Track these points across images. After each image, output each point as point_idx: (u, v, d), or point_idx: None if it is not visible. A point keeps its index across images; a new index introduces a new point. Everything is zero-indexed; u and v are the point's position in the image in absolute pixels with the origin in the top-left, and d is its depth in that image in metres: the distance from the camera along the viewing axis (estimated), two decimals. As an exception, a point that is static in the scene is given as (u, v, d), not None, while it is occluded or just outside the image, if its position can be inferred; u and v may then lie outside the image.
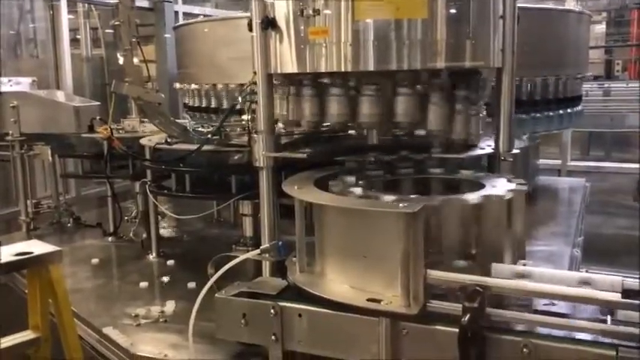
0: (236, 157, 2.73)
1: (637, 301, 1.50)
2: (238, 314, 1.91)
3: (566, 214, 3.91)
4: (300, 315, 1.84)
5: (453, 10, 2.08)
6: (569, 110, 3.62)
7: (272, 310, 1.86)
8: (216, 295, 1.95)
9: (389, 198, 1.81)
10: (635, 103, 9.36)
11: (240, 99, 2.57)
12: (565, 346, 1.55)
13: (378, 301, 1.72)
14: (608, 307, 1.59)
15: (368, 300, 1.73)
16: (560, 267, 2.72)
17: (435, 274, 1.65)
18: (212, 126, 3.20)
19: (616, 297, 1.52)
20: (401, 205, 1.68)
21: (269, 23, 2.25)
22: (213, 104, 3.71)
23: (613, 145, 9.66)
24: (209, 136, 2.78)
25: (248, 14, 2.36)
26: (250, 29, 2.29)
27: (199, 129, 3.15)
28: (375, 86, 2.25)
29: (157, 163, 3.05)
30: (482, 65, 2.24)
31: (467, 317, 1.54)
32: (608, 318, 1.59)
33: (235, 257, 2.07)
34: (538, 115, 3.44)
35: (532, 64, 3.04)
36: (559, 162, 6.04)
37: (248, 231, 3.09)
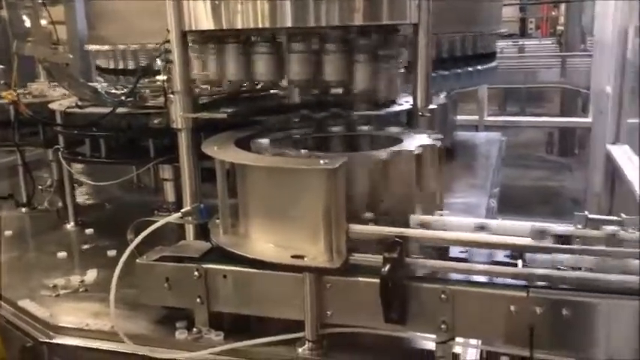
0: (156, 121, 2.65)
1: (546, 244, 1.59)
2: (161, 279, 1.88)
3: (483, 167, 4.06)
4: (224, 276, 1.83)
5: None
6: (483, 67, 3.72)
7: (196, 273, 1.84)
8: (137, 260, 1.91)
9: (308, 155, 1.81)
10: (548, 60, 9.81)
11: (155, 59, 2.47)
12: (479, 290, 1.63)
13: (302, 257, 1.73)
14: (519, 251, 1.68)
15: (292, 257, 1.74)
16: (477, 217, 2.83)
17: (357, 227, 1.68)
18: (126, 87, 3.08)
19: (526, 241, 1.60)
20: (322, 161, 1.68)
21: (181, -22, 2.17)
22: (126, 66, 3.55)
23: (527, 100, 10.10)
24: (122, 98, 2.67)
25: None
26: (161, -16, 2.20)
27: (112, 91, 3.02)
28: (303, 44, 2.22)
29: (68, 129, 2.91)
30: (400, 22, 2.26)
31: (387, 267, 1.59)
32: (519, 262, 1.68)
33: (156, 222, 2.03)
34: (453, 71, 3.51)
35: (446, 20, 3.08)
36: (476, 118, 6.24)
37: (170, 196, 3.03)
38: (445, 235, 1.66)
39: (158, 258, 1.91)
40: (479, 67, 3.67)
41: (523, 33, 13.21)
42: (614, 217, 1.66)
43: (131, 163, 3.04)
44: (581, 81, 8.02)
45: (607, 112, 5.28)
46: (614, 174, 4.88)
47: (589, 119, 5.87)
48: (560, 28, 11.68)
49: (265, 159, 1.84)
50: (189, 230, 2.30)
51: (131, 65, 3.38)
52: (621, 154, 4.62)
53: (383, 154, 1.82)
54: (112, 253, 2.64)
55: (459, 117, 5.11)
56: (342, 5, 2.07)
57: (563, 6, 12.61)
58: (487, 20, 3.73)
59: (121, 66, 3.67)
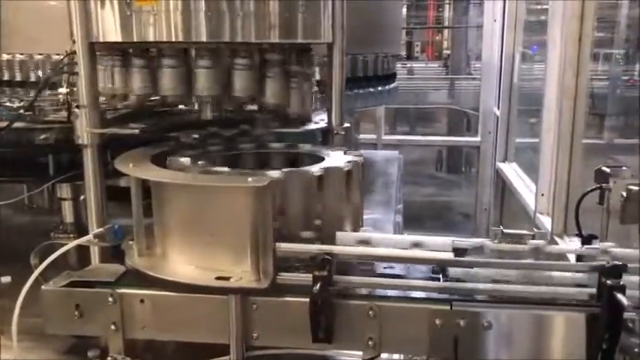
0: (42, 137, 2.48)
1: (467, 258, 1.65)
2: (71, 306, 1.74)
3: (385, 184, 4.17)
4: (142, 300, 1.73)
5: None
6: (387, 87, 3.85)
7: (110, 298, 1.72)
8: (42, 287, 1.76)
9: (234, 172, 1.77)
10: (435, 82, 10.35)
11: (50, 71, 2.33)
12: (405, 305, 1.66)
13: (227, 278, 1.68)
14: (442, 266, 1.73)
15: (217, 278, 1.68)
16: (386, 233, 2.90)
17: (285, 246, 1.66)
18: (23, 100, 2.86)
19: (449, 256, 1.65)
20: (249, 179, 1.65)
21: (89, -13, 2.06)
22: (26, 77, 3.30)
23: (417, 120, 10.57)
24: (21, 111, 2.48)
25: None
26: (66, -8, 2.08)
27: (7, 104, 2.79)
28: (210, 58, 2.17)
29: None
30: (315, 41, 2.29)
31: (317, 286, 1.57)
32: (441, 277, 1.73)
33: (62, 245, 1.89)
34: (358, 91, 3.60)
35: (355, 41, 3.16)
36: (374, 136, 6.43)
37: (68, 217, 2.84)
38: (375, 252, 1.68)
39: (67, 283, 1.77)
40: (381, 88, 3.79)
41: (409, 56, 13.85)
42: (527, 232, 1.75)
43: (25, 182, 2.82)
44: (468, 102, 8.53)
45: (494, 131, 5.64)
46: (503, 189, 5.21)
47: (477, 138, 6.24)
48: (446, 52, 12.37)
49: (191, 177, 1.77)
50: (95, 253, 2.17)
51: (33, 77, 3.16)
52: (510, 170, 4.94)
53: (316, 170, 1.82)
54: (6, 279, 2.42)
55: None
56: (257, 22, 2.07)
57: (447, 31, 13.40)
58: (390, 42, 3.87)
59: (9, 77, 3.42)
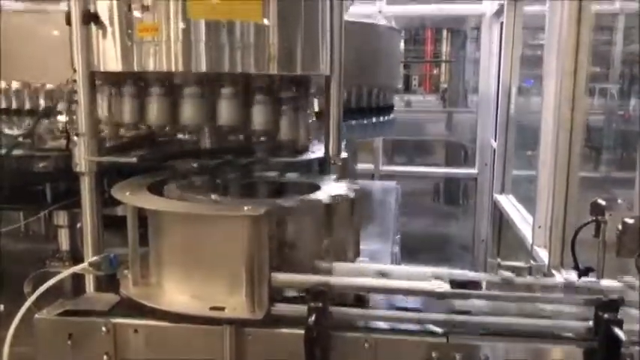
0: (41, 165, 2.49)
1: (463, 290, 1.64)
2: (64, 335, 1.73)
3: (383, 215, 4.16)
4: (136, 330, 1.72)
5: (285, 16, 2.11)
6: (384, 119, 3.88)
7: (104, 328, 1.71)
8: (36, 315, 1.74)
9: (232, 201, 1.77)
10: (432, 114, 10.42)
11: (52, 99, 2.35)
12: (401, 338, 1.65)
13: (222, 308, 1.67)
14: (436, 297, 1.72)
15: (211, 308, 1.67)
16: (384, 264, 2.89)
17: (281, 277, 1.65)
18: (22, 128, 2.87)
19: (445, 288, 1.65)
20: (246, 208, 1.65)
21: (91, 17, 2.09)
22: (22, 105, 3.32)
23: (415, 151, 10.59)
24: (20, 139, 2.49)
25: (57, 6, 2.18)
26: (68, 23, 2.11)
27: (6, 131, 2.80)
28: (197, 88, 2.18)
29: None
30: (313, 73, 2.32)
31: (313, 317, 1.56)
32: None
33: (56, 273, 1.87)
34: (361, 122, 3.63)
35: (354, 74, 3.20)
36: (372, 166, 6.44)
37: (64, 244, 2.83)
38: (371, 284, 1.67)
39: (61, 312, 1.75)
40: (380, 119, 3.82)
41: (407, 89, 13.97)
42: (523, 264, 1.75)
43: (20, 209, 2.81)
44: (465, 134, 8.58)
45: (491, 164, 5.66)
46: (501, 221, 5.21)
47: (475, 170, 6.26)
48: (443, 85, 12.48)
49: (186, 205, 1.77)
50: (90, 282, 2.15)
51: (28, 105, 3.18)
52: (507, 202, 4.94)
53: (325, 197, 1.82)
54: (-1, 308, 2.40)
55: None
56: (257, 54, 2.09)
57: (444, 65, 13.55)
58: (388, 75, 3.91)
59: (6, 105, 3.43)
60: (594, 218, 1.72)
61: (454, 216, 8.59)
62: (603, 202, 1.70)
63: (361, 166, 6.23)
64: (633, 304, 1.58)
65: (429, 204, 9.50)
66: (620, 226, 1.52)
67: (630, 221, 1.50)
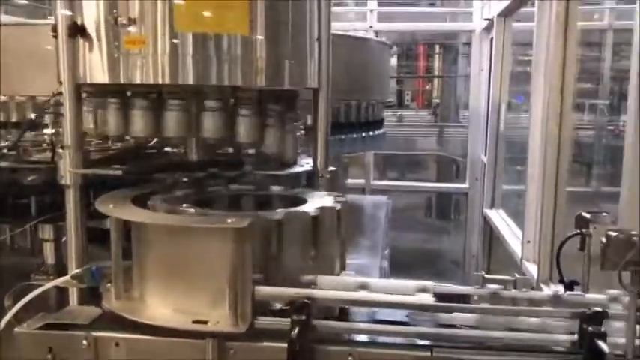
0: (30, 179, 2.47)
1: (446, 304, 1.63)
2: (44, 349, 1.70)
3: (373, 229, 4.17)
4: (117, 344, 1.69)
5: (272, 30, 2.11)
6: (374, 133, 3.89)
7: (84, 341, 1.69)
8: (16, 329, 1.72)
9: (215, 214, 1.76)
10: (424, 129, 10.46)
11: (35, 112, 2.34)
12: (386, 351, 1.63)
13: (205, 322, 1.65)
14: (420, 310, 1.70)
15: (194, 322, 1.65)
16: (372, 277, 2.88)
17: (264, 290, 1.63)
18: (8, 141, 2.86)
19: (430, 301, 1.64)
20: (229, 220, 1.64)
21: (77, 30, 2.09)
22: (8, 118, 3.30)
23: (407, 166, 10.61)
24: (5, 151, 2.48)
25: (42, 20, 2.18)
26: (55, 35, 2.11)
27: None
28: (181, 100, 2.18)
29: None
30: (301, 87, 2.32)
31: (296, 331, 1.55)
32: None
33: (39, 286, 1.85)
34: (350, 136, 3.64)
35: (343, 88, 3.21)
36: (363, 181, 6.45)
37: (50, 258, 2.80)
38: (355, 296, 1.65)
39: (41, 326, 1.73)
40: (370, 134, 3.83)
41: (400, 104, 14.01)
42: (509, 277, 1.74)
43: (6, 223, 2.79)
44: (456, 149, 8.61)
45: (482, 178, 5.68)
46: (491, 236, 5.21)
47: (465, 185, 6.28)
48: (435, 100, 12.54)
49: (169, 218, 1.76)
50: (74, 295, 2.14)
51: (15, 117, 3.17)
52: (497, 217, 4.95)
53: (310, 210, 1.82)
54: (-20, 322, 2.35)
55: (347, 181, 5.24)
56: (244, 67, 2.10)
57: (436, 81, 13.62)
58: (377, 90, 3.93)
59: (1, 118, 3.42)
60: (578, 231, 1.72)
61: (446, 231, 8.60)
62: (588, 215, 1.70)
63: (353, 181, 6.24)
64: (617, 316, 1.57)
65: (422, 219, 9.51)
66: (604, 239, 1.52)
67: (613, 234, 1.50)
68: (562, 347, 1.60)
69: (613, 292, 1.65)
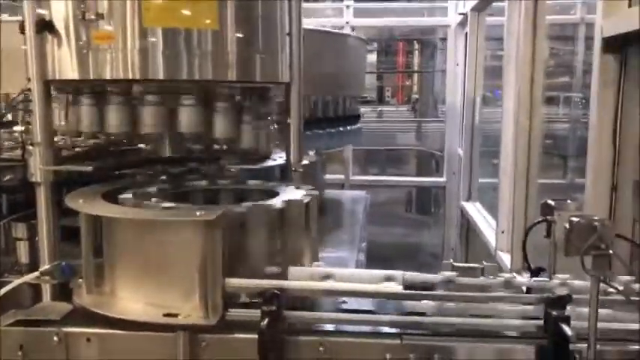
0: (7, 178, 2.45)
1: (413, 292, 1.65)
2: (15, 346, 1.70)
3: (350, 223, 4.18)
4: (88, 339, 1.69)
5: (242, 24, 2.11)
6: (350, 128, 3.91)
7: (55, 337, 1.68)
8: (-15, 327, 1.71)
9: (185, 207, 1.76)
10: (405, 124, 10.50)
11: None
12: (356, 340, 1.65)
13: (176, 315, 1.66)
14: (391, 299, 1.73)
15: (164, 315, 1.65)
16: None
17: (234, 282, 1.64)
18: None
19: (398, 289, 1.66)
20: (198, 212, 1.64)
21: (45, 26, 2.07)
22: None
23: (387, 161, 10.65)
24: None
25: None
26: (22, 32, 2.09)
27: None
28: (156, 95, 2.18)
29: None
30: (273, 81, 2.32)
31: (265, 321, 1.56)
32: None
33: (8, 283, 1.84)
34: (324, 131, 3.65)
35: (317, 83, 3.22)
36: (342, 177, 6.47)
37: (23, 257, 2.77)
38: (325, 286, 1.67)
39: (12, 323, 1.72)
40: (346, 128, 3.84)
41: (380, 100, 14.04)
42: (477, 265, 1.77)
43: (-21, 221, 2.76)
44: (435, 144, 8.66)
45: (459, 172, 5.73)
46: (468, 228, 5.26)
47: (443, 179, 6.33)
48: (414, 96, 12.58)
49: (139, 211, 1.76)
50: (47, 291, 2.12)
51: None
52: (474, 209, 5.00)
53: (277, 203, 1.83)
54: (-49, 321, 2.33)
55: (326, 176, 5.26)
56: (215, 62, 2.09)
57: (415, 76, 13.67)
58: (354, 85, 3.94)
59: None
60: (544, 218, 1.75)
61: (426, 225, 8.64)
62: (553, 203, 1.73)
63: (332, 177, 6.25)
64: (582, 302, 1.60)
65: (402, 213, 9.56)
66: (567, 225, 1.55)
67: (576, 219, 1.53)
68: (529, 333, 1.63)
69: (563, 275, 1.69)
